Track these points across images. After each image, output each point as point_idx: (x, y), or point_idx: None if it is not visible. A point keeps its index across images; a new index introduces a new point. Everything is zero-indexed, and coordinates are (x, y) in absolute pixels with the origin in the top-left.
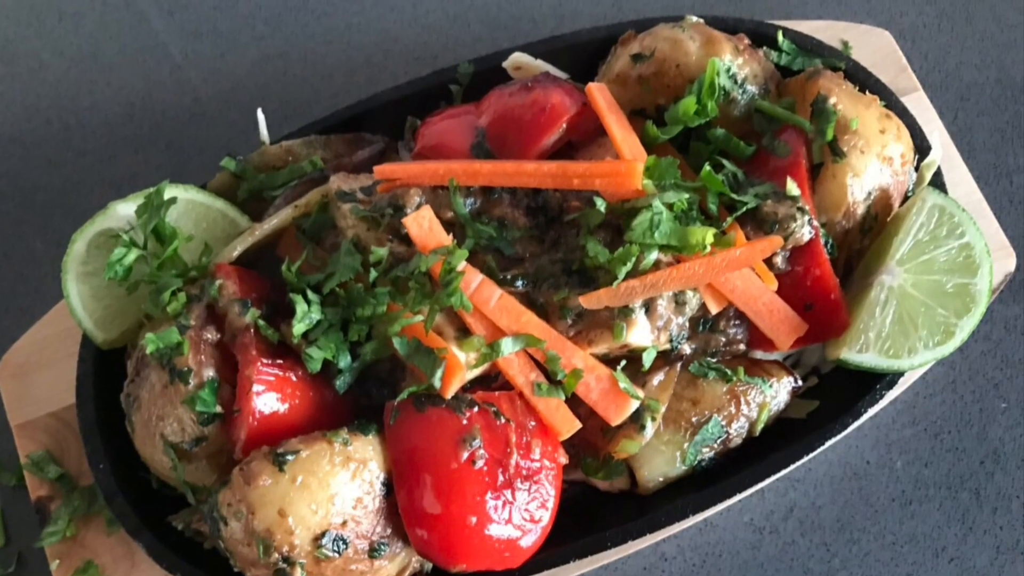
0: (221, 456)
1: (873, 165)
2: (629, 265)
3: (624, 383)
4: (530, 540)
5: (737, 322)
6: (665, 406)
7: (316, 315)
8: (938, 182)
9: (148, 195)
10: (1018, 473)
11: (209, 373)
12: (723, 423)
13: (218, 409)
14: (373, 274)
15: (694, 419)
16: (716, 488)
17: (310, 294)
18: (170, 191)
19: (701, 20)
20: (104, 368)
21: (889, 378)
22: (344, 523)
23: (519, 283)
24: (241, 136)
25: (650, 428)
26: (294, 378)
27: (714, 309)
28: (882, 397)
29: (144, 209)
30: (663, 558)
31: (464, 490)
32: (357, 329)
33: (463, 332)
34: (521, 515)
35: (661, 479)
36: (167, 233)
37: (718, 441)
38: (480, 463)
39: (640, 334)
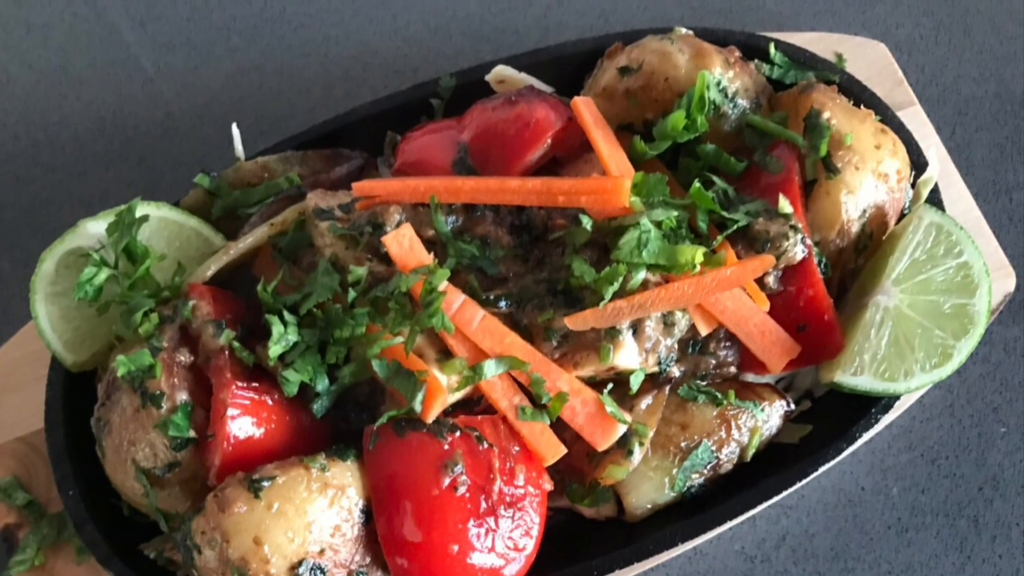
0: (195, 482)
1: (868, 182)
2: (616, 285)
3: (611, 407)
4: (514, 569)
5: (728, 344)
6: (653, 431)
7: (293, 337)
8: (935, 199)
9: (119, 213)
10: (1018, 500)
11: (182, 397)
12: (713, 448)
13: (191, 434)
14: (352, 294)
15: (683, 444)
16: (706, 515)
17: (286, 315)
18: (142, 208)
19: (691, 32)
20: (74, 391)
21: (885, 402)
22: (322, 551)
23: (502, 303)
24: (215, 152)
25: (638, 453)
26: (270, 402)
27: (704, 331)
28: (877, 421)
29: (115, 227)
30: None
31: (445, 517)
32: (335, 351)
33: (445, 354)
34: (504, 543)
35: (649, 506)
36: (139, 252)
37: (708, 467)
38: (462, 489)
39: (627, 356)
